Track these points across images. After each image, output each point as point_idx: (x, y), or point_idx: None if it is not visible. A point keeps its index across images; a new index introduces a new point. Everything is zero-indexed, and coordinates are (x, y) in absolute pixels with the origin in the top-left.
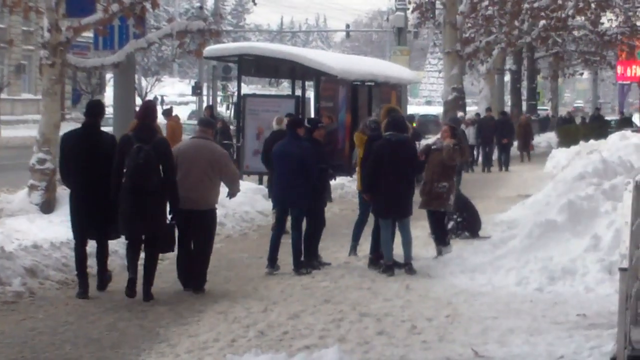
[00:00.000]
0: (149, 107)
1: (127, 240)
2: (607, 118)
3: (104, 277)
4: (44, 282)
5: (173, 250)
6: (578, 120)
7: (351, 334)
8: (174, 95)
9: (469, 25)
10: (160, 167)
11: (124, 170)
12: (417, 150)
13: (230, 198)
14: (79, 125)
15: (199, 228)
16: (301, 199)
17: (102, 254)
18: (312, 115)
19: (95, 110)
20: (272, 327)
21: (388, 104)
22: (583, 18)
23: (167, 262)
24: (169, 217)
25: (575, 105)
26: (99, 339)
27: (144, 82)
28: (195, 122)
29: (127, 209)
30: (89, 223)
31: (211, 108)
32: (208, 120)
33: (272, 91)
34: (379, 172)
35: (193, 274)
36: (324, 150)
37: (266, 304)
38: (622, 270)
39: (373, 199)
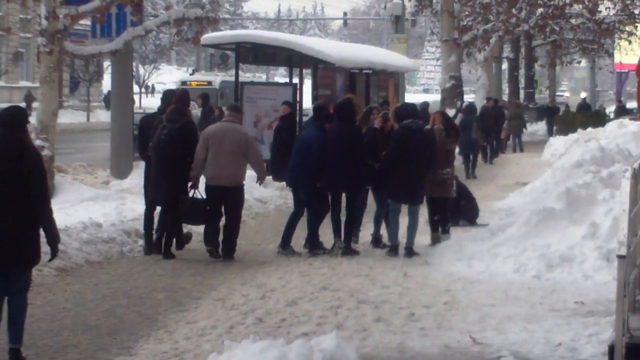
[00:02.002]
0: (183, 95)
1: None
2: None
3: (180, 237)
4: (42, 269)
5: (194, 223)
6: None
7: (349, 321)
8: (172, 83)
9: (467, 13)
10: (185, 145)
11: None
12: (434, 138)
13: (259, 184)
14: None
15: (229, 203)
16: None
17: (166, 219)
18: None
19: (168, 97)
20: (270, 314)
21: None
22: (580, 6)
23: None
24: (198, 192)
25: (559, 93)
26: (97, 325)
27: (141, 70)
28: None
29: (153, 177)
30: (157, 190)
31: (206, 96)
32: (236, 105)
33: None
34: (401, 158)
35: (223, 243)
36: None
37: (264, 291)
38: (620, 257)
39: (391, 183)
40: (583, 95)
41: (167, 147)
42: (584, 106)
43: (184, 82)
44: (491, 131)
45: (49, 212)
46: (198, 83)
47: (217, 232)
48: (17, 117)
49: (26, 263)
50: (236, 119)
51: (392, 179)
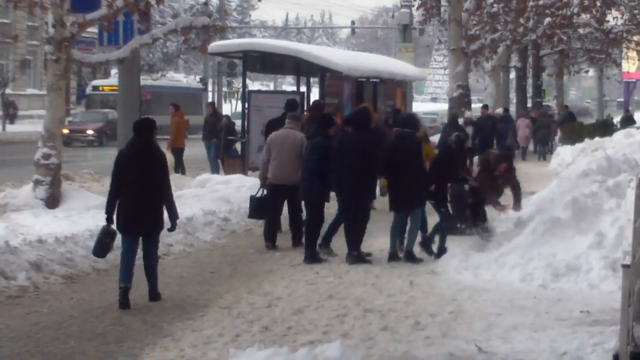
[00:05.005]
0: (318, 105)
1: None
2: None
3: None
4: (49, 276)
5: (257, 217)
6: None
7: (355, 329)
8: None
9: (474, 22)
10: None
11: None
12: (419, 145)
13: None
14: None
15: (289, 200)
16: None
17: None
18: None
19: (291, 104)
20: (276, 323)
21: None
22: (588, 16)
23: (172, 257)
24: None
25: (588, 101)
26: (103, 333)
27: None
28: None
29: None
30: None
31: (213, 105)
32: (296, 115)
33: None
34: (390, 167)
35: (292, 233)
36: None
37: (270, 300)
38: (624, 267)
39: (390, 194)
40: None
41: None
42: (567, 116)
43: (95, 87)
44: (488, 142)
45: (171, 195)
46: (111, 88)
47: (275, 227)
48: (147, 124)
49: (157, 230)
50: (295, 126)
51: (390, 189)
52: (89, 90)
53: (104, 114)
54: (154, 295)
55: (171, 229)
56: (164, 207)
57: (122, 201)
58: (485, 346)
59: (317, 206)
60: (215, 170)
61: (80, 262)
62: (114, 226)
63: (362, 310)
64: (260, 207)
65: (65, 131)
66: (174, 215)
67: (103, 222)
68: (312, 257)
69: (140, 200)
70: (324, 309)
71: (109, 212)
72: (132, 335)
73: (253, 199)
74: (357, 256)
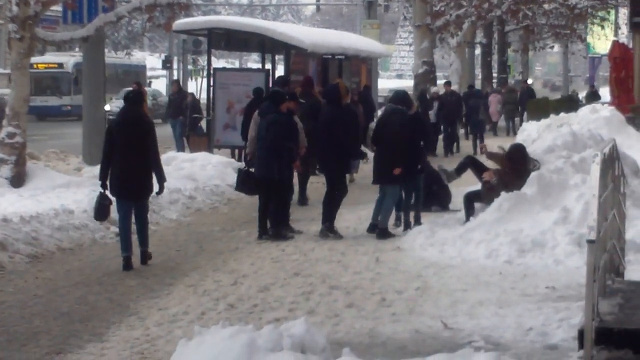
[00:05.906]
0: (308, 80)
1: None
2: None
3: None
4: (14, 255)
5: (247, 193)
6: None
7: (321, 306)
8: None
9: None
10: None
11: None
12: (407, 122)
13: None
14: None
15: None
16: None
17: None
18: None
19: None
20: (242, 300)
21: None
22: None
23: (134, 237)
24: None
25: (517, 79)
26: (68, 312)
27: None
28: None
29: None
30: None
31: (178, 83)
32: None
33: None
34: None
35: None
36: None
37: (236, 277)
38: (589, 242)
39: (373, 166)
40: (530, 81)
41: (302, 121)
42: (526, 92)
43: (29, 65)
44: (453, 119)
45: (159, 161)
46: (47, 65)
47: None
48: (136, 96)
49: (146, 193)
50: None
51: (374, 161)
52: None
53: None
54: (145, 257)
55: (159, 192)
56: (152, 172)
57: (113, 168)
58: (451, 322)
59: (276, 183)
60: (180, 148)
61: (45, 241)
62: (108, 192)
63: (328, 288)
64: (246, 181)
65: None
66: (161, 179)
67: (68, 202)
68: (278, 235)
69: (129, 167)
70: (290, 286)
71: (102, 178)
72: (98, 314)
73: (241, 172)
74: (326, 229)
